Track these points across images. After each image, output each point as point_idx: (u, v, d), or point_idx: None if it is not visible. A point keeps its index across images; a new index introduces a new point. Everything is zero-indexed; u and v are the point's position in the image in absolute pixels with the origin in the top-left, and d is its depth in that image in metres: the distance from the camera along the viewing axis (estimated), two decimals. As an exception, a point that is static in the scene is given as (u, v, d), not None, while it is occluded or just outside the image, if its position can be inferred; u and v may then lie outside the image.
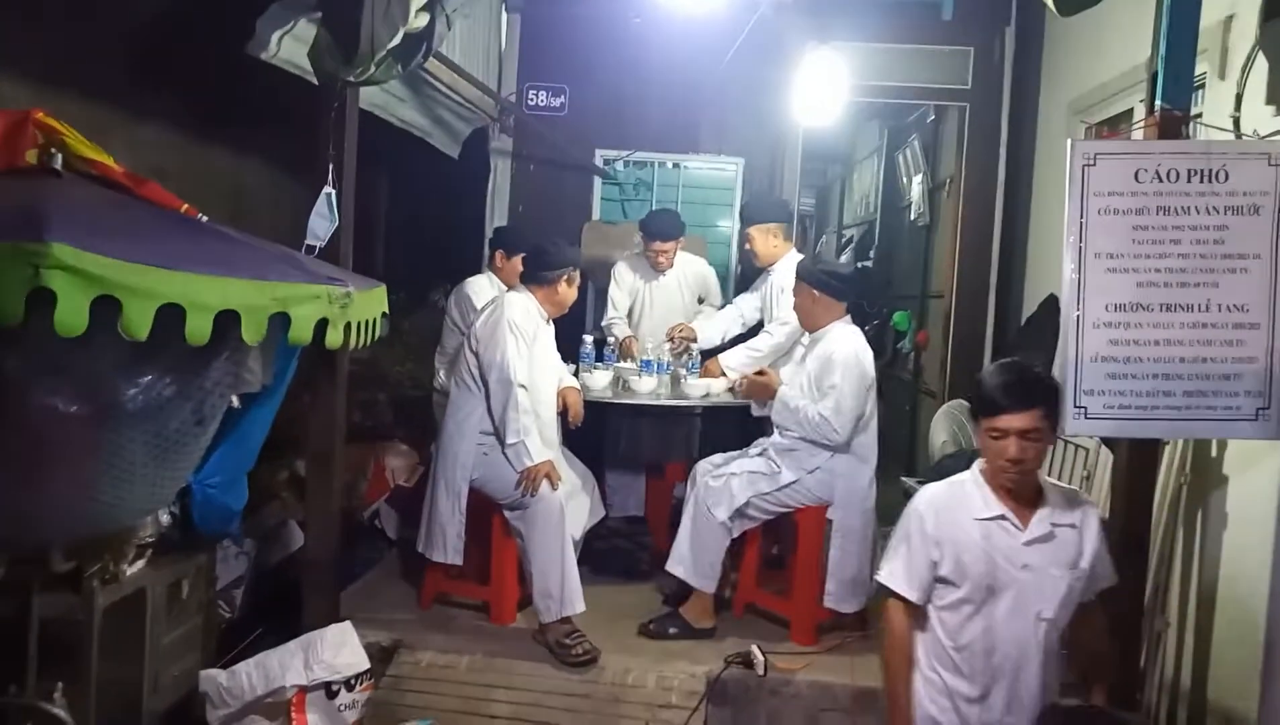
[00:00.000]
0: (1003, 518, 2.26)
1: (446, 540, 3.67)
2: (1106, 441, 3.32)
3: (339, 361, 3.26)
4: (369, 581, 4.13)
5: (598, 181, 5.59)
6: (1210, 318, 2.69)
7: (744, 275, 5.28)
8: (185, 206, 2.33)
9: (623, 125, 5.50)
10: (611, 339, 4.57)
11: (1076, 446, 3.99)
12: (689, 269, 4.78)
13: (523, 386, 3.54)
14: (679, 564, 3.68)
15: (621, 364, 4.37)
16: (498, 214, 5.53)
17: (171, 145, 3.95)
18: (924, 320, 6.64)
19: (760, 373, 3.83)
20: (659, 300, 4.74)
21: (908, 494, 3.84)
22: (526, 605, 3.73)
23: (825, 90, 4.47)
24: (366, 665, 2.95)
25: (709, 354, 4.46)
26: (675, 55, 5.25)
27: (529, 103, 5.47)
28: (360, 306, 2.37)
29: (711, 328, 4.51)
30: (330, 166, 3.07)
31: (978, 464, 2.33)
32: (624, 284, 4.75)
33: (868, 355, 3.55)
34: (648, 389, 4.10)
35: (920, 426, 6.00)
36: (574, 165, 5.54)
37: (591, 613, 3.58)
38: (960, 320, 5.46)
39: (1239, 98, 2.86)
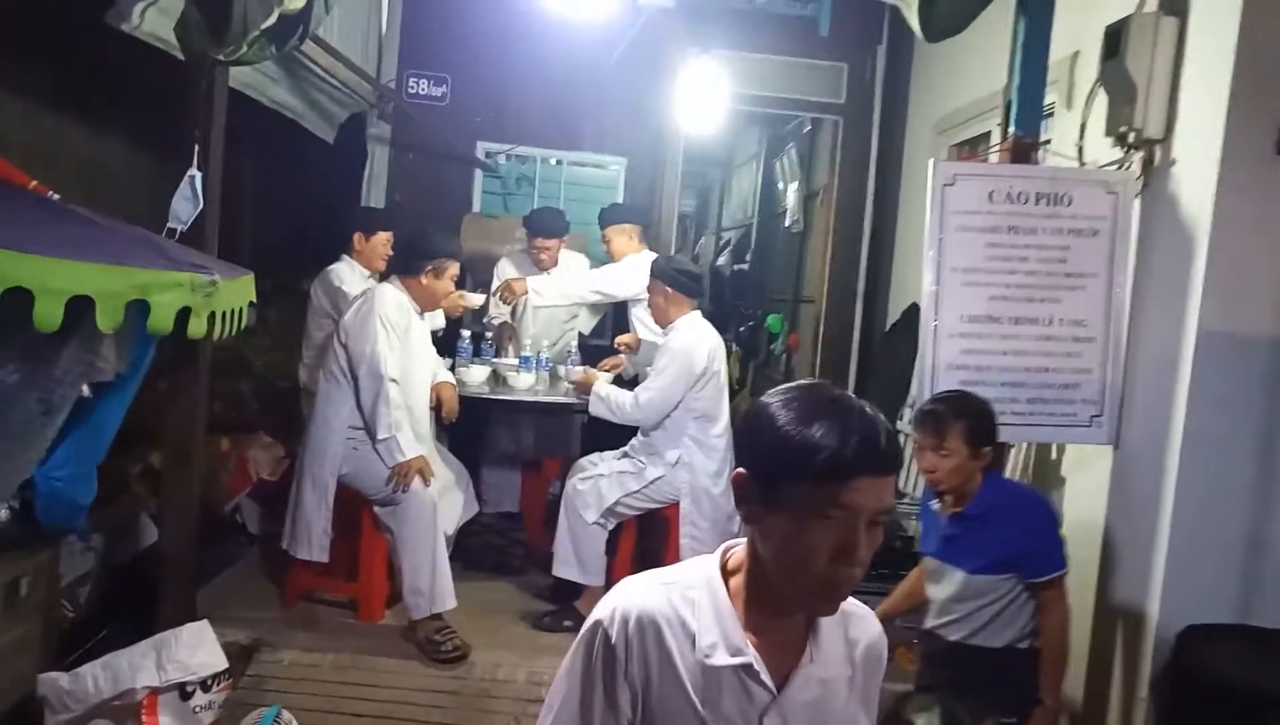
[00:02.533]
0: None
1: (312, 537, 3.58)
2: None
3: (201, 350, 3.13)
4: (229, 578, 3.98)
5: (479, 174, 5.54)
6: (1053, 331, 2.91)
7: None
8: (33, 183, 2.20)
9: (506, 119, 5.47)
10: (490, 333, 4.54)
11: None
12: (572, 266, 4.80)
13: (394, 381, 3.49)
14: (565, 566, 3.72)
15: (499, 360, 4.35)
16: (374, 202, 5.40)
17: (18, 115, 3.68)
18: (796, 323, 6.86)
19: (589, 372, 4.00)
20: (544, 300, 4.74)
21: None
22: (396, 602, 3.68)
23: (706, 97, 4.57)
24: (224, 665, 2.85)
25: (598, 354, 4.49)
26: (561, 53, 5.26)
27: (409, 90, 5.37)
28: (226, 295, 2.29)
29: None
30: (196, 147, 2.94)
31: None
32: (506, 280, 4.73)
33: (705, 349, 3.64)
34: (525, 385, 4.10)
35: (790, 426, 6.19)
36: (455, 156, 5.47)
37: (463, 608, 3.56)
38: (830, 324, 5.68)
39: (1083, 128, 3.09)
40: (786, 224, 7.16)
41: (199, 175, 2.92)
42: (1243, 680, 2.43)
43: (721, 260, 8.91)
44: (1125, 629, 2.89)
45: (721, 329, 4.08)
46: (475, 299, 4.31)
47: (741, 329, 7.68)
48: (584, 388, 3.90)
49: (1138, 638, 2.82)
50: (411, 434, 3.53)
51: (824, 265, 5.73)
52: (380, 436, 3.46)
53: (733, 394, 4.93)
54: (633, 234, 4.50)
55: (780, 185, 7.37)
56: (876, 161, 5.54)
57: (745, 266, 8.36)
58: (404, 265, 3.69)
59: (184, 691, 2.74)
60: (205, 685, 2.78)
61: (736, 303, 7.91)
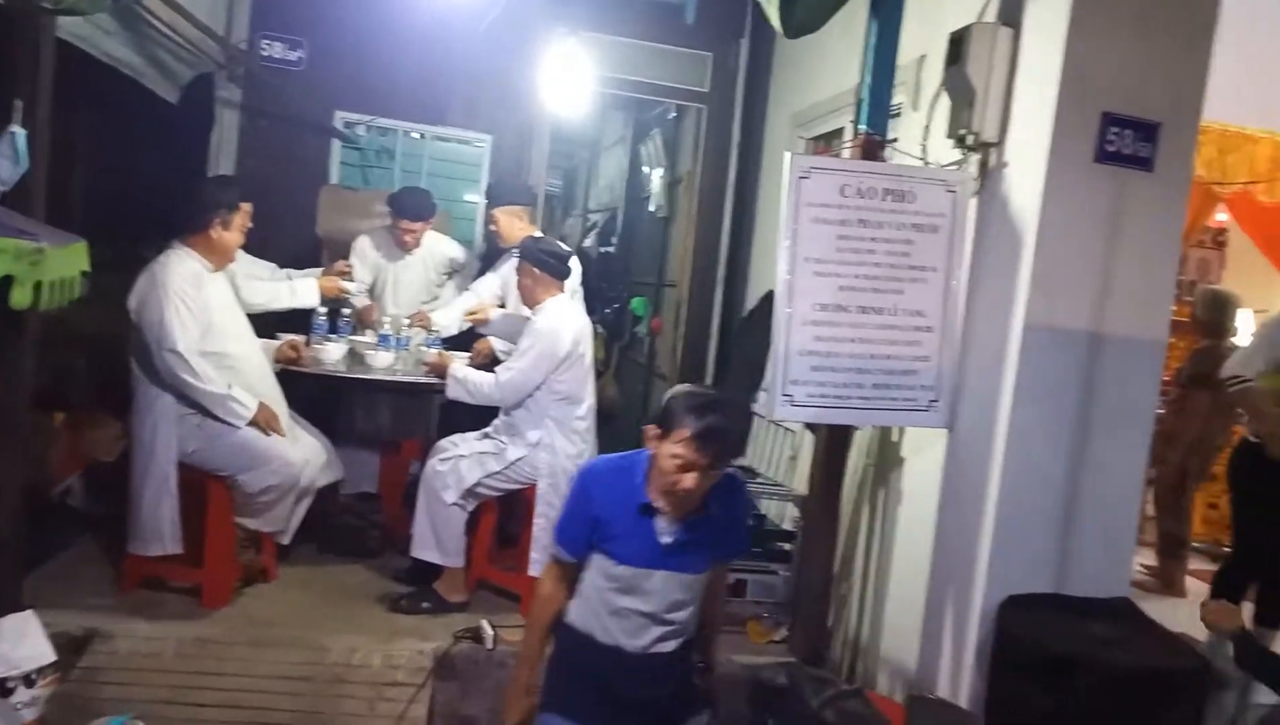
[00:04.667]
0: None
1: (163, 531, 3.42)
2: (809, 426, 3.70)
3: (27, 321, 2.91)
4: (60, 565, 3.73)
5: (337, 145, 5.34)
6: (896, 321, 3.07)
7: (488, 254, 5.28)
8: None
9: (367, 88, 5.29)
10: (348, 310, 4.41)
11: (786, 429, 4.39)
12: (436, 248, 4.71)
13: (205, 353, 3.36)
14: (424, 548, 3.67)
15: (357, 337, 4.23)
16: (224, 169, 5.13)
17: None
18: (660, 307, 6.97)
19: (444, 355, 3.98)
20: (404, 279, 4.63)
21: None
22: (247, 586, 3.55)
23: (572, 78, 4.57)
24: (52, 657, 2.68)
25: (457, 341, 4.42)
26: (427, 22, 5.12)
27: (263, 53, 5.11)
28: (54, 263, 2.14)
29: (450, 315, 4.45)
30: (19, 102, 2.72)
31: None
32: (367, 260, 4.59)
33: (571, 332, 3.65)
34: (383, 364, 4.01)
35: (652, 407, 6.31)
36: (311, 125, 5.26)
37: (318, 593, 3.48)
38: (692, 309, 5.80)
39: (927, 129, 3.27)
40: (652, 209, 7.24)
41: (22, 133, 2.70)
42: (1053, 644, 2.66)
43: (588, 242, 8.92)
44: (955, 600, 3.10)
45: (587, 311, 4.10)
46: (354, 287, 4.22)
47: (607, 311, 7.73)
48: (438, 371, 3.85)
49: (965, 608, 3.03)
50: (244, 392, 3.45)
51: (687, 251, 5.83)
52: (210, 407, 3.36)
53: (597, 376, 4.97)
54: (521, 215, 4.42)
55: (646, 170, 7.44)
56: (738, 151, 5.67)
57: (611, 249, 8.40)
58: (187, 224, 3.49)
59: (4, 687, 2.57)
60: (29, 680, 2.61)
61: (602, 285, 7.95)
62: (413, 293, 4.61)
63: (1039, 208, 2.85)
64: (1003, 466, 2.95)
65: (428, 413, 4.75)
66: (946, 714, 2.08)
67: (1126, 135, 2.82)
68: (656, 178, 7.05)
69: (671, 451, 2.10)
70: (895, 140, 3.53)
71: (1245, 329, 4.87)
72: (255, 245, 3.93)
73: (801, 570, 3.60)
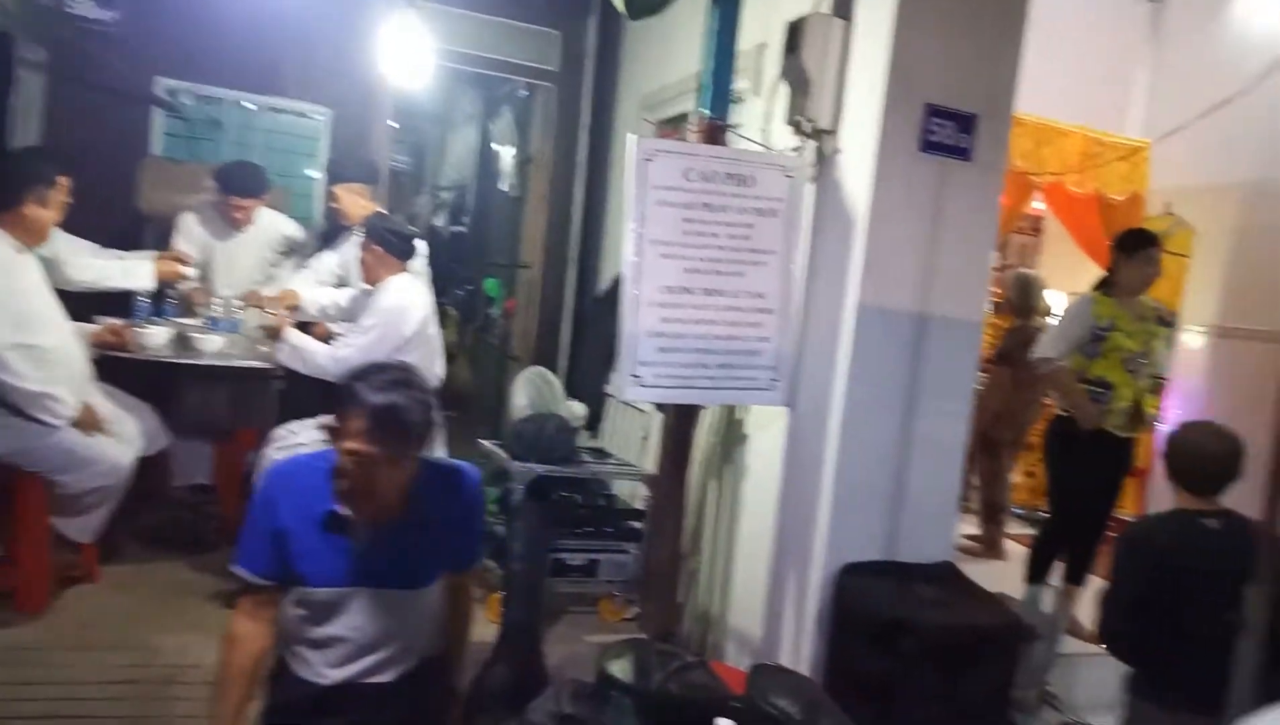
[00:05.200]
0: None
1: None
2: (659, 406, 3.76)
3: None
4: None
5: (160, 114, 4.99)
6: (739, 302, 3.15)
7: (328, 232, 5.07)
8: None
9: (192, 53, 4.95)
10: (176, 290, 4.15)
11: (638, 410, 4.45)
12: (271, 226, 4.48)
13: (17, 346, 3.11)
14: None
15: (184, 320, 3.99)
16: (30, 137, 4.71)
17: None
18: (513, 288, 6.90)
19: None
20: (236, 258, 4.39)
21: (485, 456, 4.02)
22: (68, 587, 3.31)
23: (413, 51, 4.43)
24: None
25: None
26: (258, -14, 4.85)
27: (70, 9, 4.69)
28: None
29: (318, 293, 4.22)
30: None
31: None
32: (193, 238, 4.32)
33: (416, 313, 3.57)
34: (214, 348, 3.80)
35: (505, 391, 6.25)
36: (129, 92, 4.89)
37: (148, 591, 3.29)
38: (545, 291, 5.77)
39: (767, 115, 3.36)
40: (504, 188, 7.15)
41: None
42: (882, 609, 2.82)
43: (439, 221, 8.72)
44: (796, 571, 3.23)
45: (439, 291, 4.01)
46: (194, 272, 3.97)
47: (459, 293, 7.60)
48: (273, 334, 3.67)
49: (805, 578, 3.17)
50: (64, 388, 3.20)
51: (539, 231, 5.79)
52: (23, 405, 3.10)
53: (451, 358, 4.88)
54: (364, 192, 4.25)
55: (498, 148, 7.33)
56: (590, 131, 5.66)
57: (463, 229, 8.25)
58: None
59: None
60: None
61: (454, 266, 7.80)
62: (245, 273, 4.38)
63: (870, 194, 2.99)
64: (839, 441, 3.08)
65: (266, 401, 4.54)
66: (785, 679, 2.16)
67: (947, 126, 2.98)
68: (508, 156, 6.96)
69: (346, 443, 1.80)
70: (738, 125, 3.60)
71: (1059, 311, 5.27)
72: (66, 223, 3.64)
73: (650, 548, 3.66)
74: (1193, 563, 2.34)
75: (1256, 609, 1.89)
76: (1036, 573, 3.76)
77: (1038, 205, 6.14)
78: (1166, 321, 3.81)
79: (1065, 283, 5.74)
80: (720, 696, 2.05)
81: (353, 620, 1.92)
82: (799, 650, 3.16)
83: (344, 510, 1.86)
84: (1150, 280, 3.71)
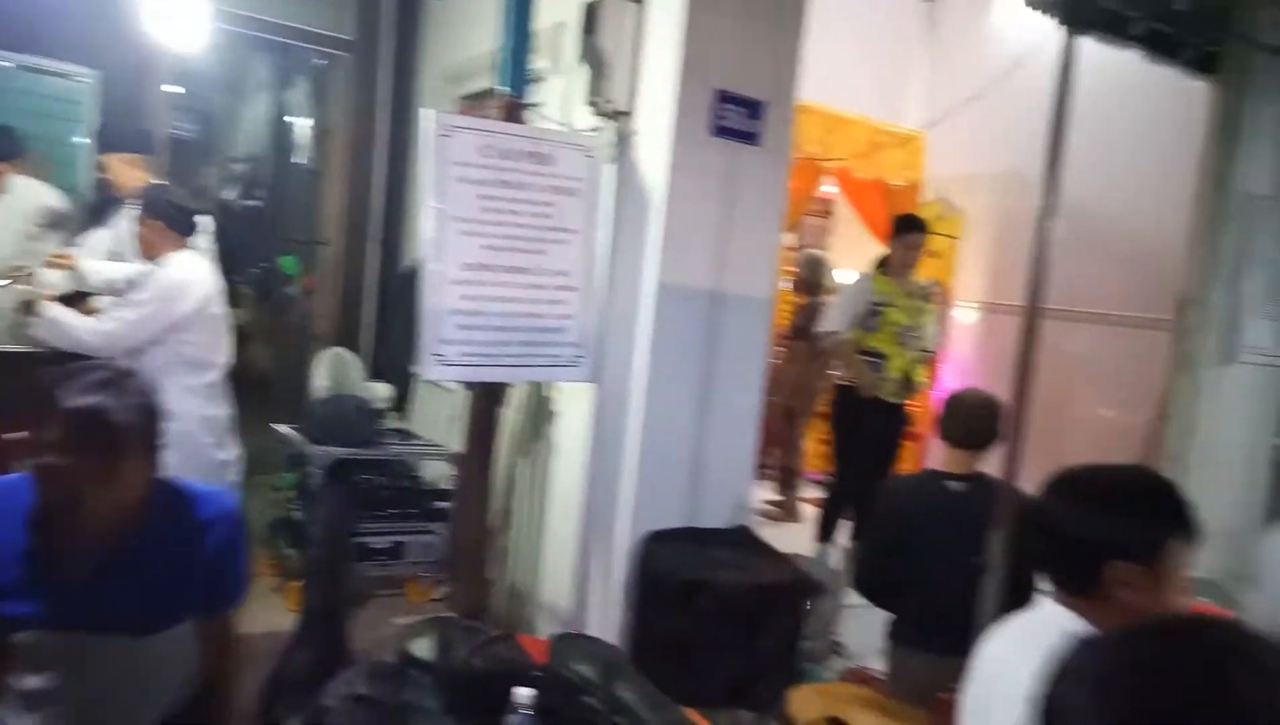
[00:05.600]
0: None
1: None
2: (467, 384, 3.74)
3: None
4: None
5: (-109, 70, 4.42)
6: (541, 280, 3.18)
7: (98, 205, 4.66)
8: None
9: (-69, 5, 4.42)
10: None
11: (446, 390, 4.39)
12: (29, 196, 4.07)
13: None
14: None
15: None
16: None
17: None
18: (313, 266, 6.61)
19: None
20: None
21: (281, 442, 3.87)
22: None
23: (188, 12, 4.14)
24: None
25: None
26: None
27: None
28: None
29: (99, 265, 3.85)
30: None
31: None
32: (-67, 206, 3.87)
33: (198, 291, 3.35)
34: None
35: (308, 372, 6.00)
36: None
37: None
38: (347, 268, 5.57)
39: (567, 95, 3.39)
40: (301, 161, 6.82)
41: None
42: (680, 572, 2.95)
43: (231, 194, 8.21)
44: (603, 542, 3.32)
45: (232, 269, 3.78)
46: None
47: (254, 270, 7.19)
48: (28, 308, 3.33)
49: (612, 548, 3.26)
50: None
51: (339, 206, 5.58)
52: None
53: (245, 339, 4.63)
54: (138, 162, 3.91)
55: (293, 120, 6.98)
56: (392, 104, 5.50)
57: (258, 203, 7.80)
58: None
59: None
60: None
61: (248, 242, 7.37)
62: (13, 231, 3.96)
63: (666, 175, 3.09)
64: (642, 415, 3.19)
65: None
66: (585, 645, 2.22)
67: (737, 112, 3.12)
68: (305, 128, 6.64)
69: (40, 457, 1.52)
70: (540, 104, 3.62)
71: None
72: None
73: (456, 527, 3.65)
74: (935, 518, 2.57)
75: (997, 553, 2.12)
76: (825, 532, 4.04)
77: (828, 189, 6.54)
78: (932, 298, 4.17)
79: (855, 262, 6.14)
80: (522, 667, 2.08)
81: (67, 673, 1.59)
82: (607, 618, 3.25)
83: (42, 537, 1.57)
84: (912, 262, 4.04)
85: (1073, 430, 5.51)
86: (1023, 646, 1.36)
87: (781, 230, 5.39)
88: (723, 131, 3.12)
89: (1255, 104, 4.62)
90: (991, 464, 2.83)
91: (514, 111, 3.06)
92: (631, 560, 3.18)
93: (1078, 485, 1.44)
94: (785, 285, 5.52)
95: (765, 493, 5.16)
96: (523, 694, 1.83)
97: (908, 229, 3.99)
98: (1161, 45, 4.21)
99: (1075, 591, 1.41)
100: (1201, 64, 4.46)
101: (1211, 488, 4.61)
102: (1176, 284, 4.79)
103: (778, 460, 5.18)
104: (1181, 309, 4.76)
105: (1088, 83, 5.15)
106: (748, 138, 3.19)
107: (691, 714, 2.00)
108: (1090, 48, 3.99)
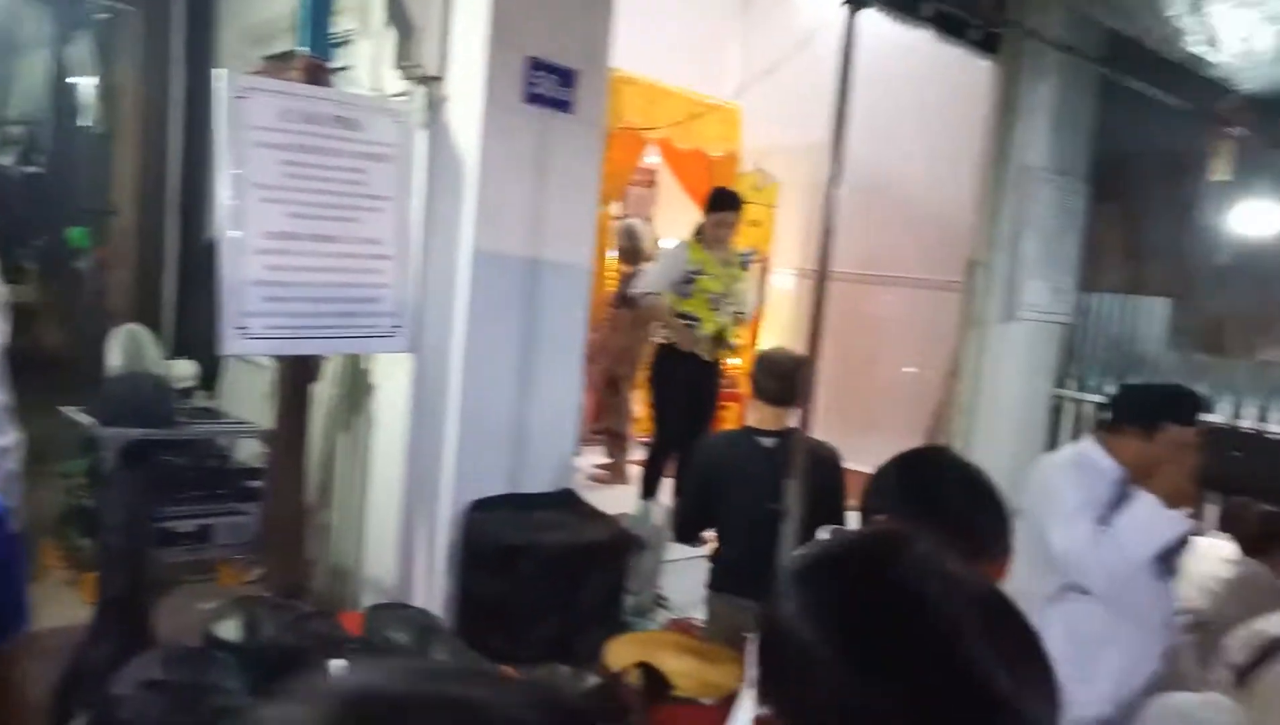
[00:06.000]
0: None
1: None
2: (278, 358, 3.60)
3: None
4: None
5: None
6: (353, 249, 3.10)
7: None
8: None
9: None
10: None
11: (257, 366, 4.21)
12: None
13: None
14: None
15: None
16: None
17: None
18: (105, 237, 6.12)
19: None
20: None
21: (70, 425, 3.60)
22: None
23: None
24: None
25: None
26: None
27: None
28: None
29: None
30: None
31: None
32: None
33: None
34: None
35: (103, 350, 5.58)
36: None
37: None
38: (143, 239, 5.21)
39: (376, 58, 3.30)
40: (87, 123, 6.27)
41: None
42: (502, 537, 2.98)
43: (7, 160, 7.45)
44: (426, 513, 3.29)
45: (11, 242, 3.46)
46: None
47: (37, 243, 6.58)
48: None
49: (435, 518, 3.25)
50: None
51: (132, 173, 5.20)
52: None
53: (29, 317, 4.26)
54: None
55: (77, 78, 6.40)
56: (187, 63, 5.15)
57: (39, 170, 7.12)
58: None
59: None
60: None
61: (29, 212, 6.73)
62: None
63: (479, 142, 3.06)
64: (462, 384, 3.18)
65: None
66: (399, 613, 2.22)
67: (549, 79, 3.13)
68: (90, 88, 6.11)
69: None
70: (347, 67, 3.50)
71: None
72: None
73: (269, 506, 3.53)
74: (747, 472, 2.71)
75: (793, 499, 2.27)
76: (647, 489, 4.17)
77: (652, 160, 6.65)
78: (747, 265, 4.35)
79: (678, 231, 6.28)
80: (334, 641, 2.06)
81: None
82: (432, 588, 3.24)
83: None
84: (725, 237, 4.19)
85: (879, 386, 5.91)
86: None
87: (600, 199, 5.51)
88: (535, 99, 3.12)
89: (1030, 83, 5.06)
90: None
91: (317, 74, 2.95)
92: (455, 529, 3.17)
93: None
94: (614, 254, 5.61)
95: (595, 457, 5.26)
96: (335, 667, 1.81)
97: (720, 207, 4.13)
98: (949, 26, 4.53)
99: None
100: (985, 45, 4.84)
101: (998, 433, 5.08)
102: (965, 249, 5.21)
103: (606, 425, 5.28)
104: (969, 271, 5.19)
105: (887, 60, 5.51)
106: (561, 106, 3.21)
107: (509, 671, 2.04)
108: (889, 26, 4.28)
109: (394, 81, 3.25)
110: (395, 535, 3.40)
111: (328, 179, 2.98)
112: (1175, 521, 2.14)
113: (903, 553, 0.66)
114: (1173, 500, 2.15)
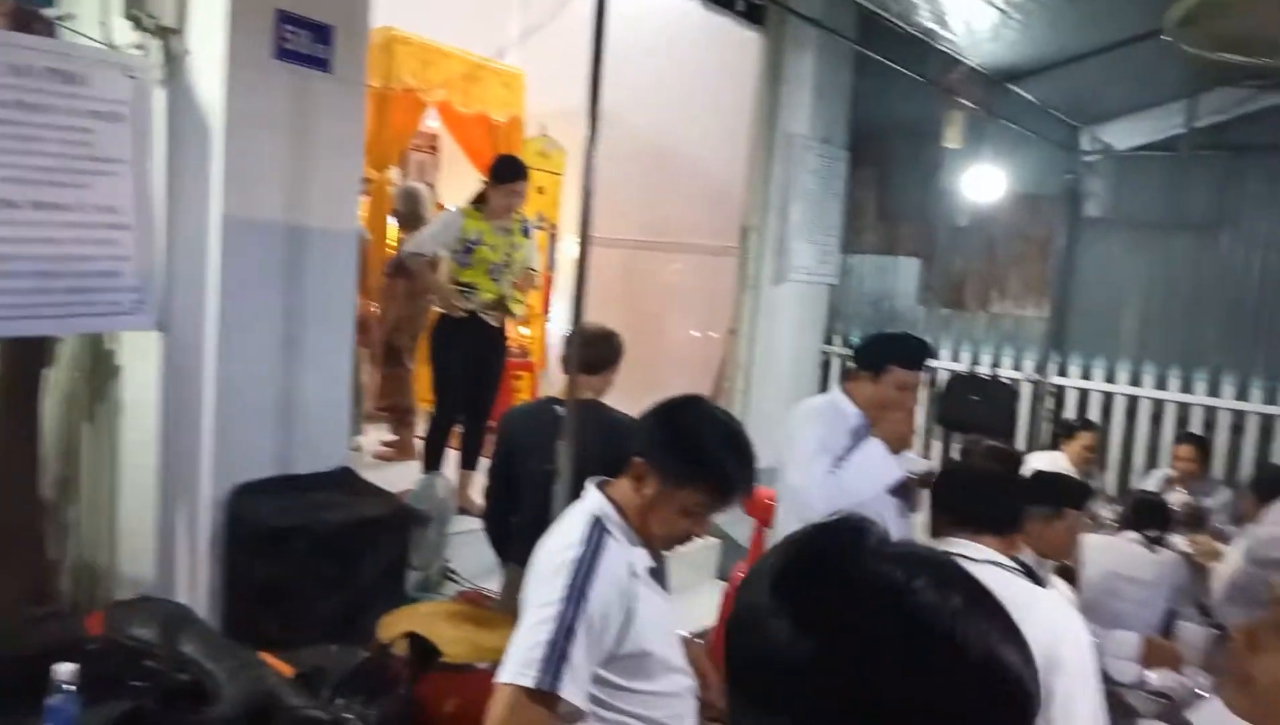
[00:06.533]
0: None
1: None
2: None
3: None
4: None
5: None
6: (85, 217, 2.82)
7: None
8: None
9: None
10: None
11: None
12: None
13: None
14: None
15: None
16: None
17: None
18: None
19: None
20: None
21: None
22: None
23: None
24: None
25: None
26: None
27: None
28: None
29: None
30: None
31: None
32: None
33: None
34: None
35: None
36: None
37: None
38: None
39: (106, 6, 2.99)
40: None
41: None
42: (272, 519, 2.85)
43: None
44: (186, 501, 3.08)
45: None
46: None
47: None
48: None
49: (196, 506, 3.04)
50: None
51: None
52: None
53: None
54: None
55: None
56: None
57: None
58: None
59: None
60: None
61: None
62: None
63: (224, 102, 2.86)
64: (218, 362, 2.98)
65: None
66: (143, 607, 2.08)
67: (303, 35, 2.96)
68: None
69: None
70: (68, 15, 3.16)
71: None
72: None
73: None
74: (543, 442, 2.71)
75: (565, 459, 2.30)
76: (430, 461, 4.09)
77: (433, 124, 6.46)
78: (530, 233, 4.32)
79: (463, 197, 6.14)
80: (70, 643, 1.91)
81: None
82: (196, 579, 3.05)
83: None
84: (513, 207, 4.14)
85: (668, 349, 6.08)
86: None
87: (378, 163, 5.31)
88: (287, 55, 2.95)
89: (793, 54, 5.32)
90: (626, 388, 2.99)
91: (26, 20, 2.64)
92: (219, 516, 3.00)
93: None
94: (395, 222, 5.40)
95: (382, 434, 5.10)
96: (62, 671, 1.68)
97: (508, 177, 4.04)
98: (717, -2, 4.67)
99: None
100: (750, 16, 5.03)
101: (774, 388, 5.38)
102: (741, 215, 5.44)
103: (391, 401, 5.13)
104: (744, 236, 5.42)
105: (666, 27, 5.63)
106: (318, 64, 3.05)
107: (267, 656, 1.96)
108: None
109: (126, 33, 2.97)
110: (152, 527, 3.16)
111: (46, 139, 2.69)
112: (894, 466, 2.35)
113: (865, 543, 0.64)
114: (895, 442, 2.36)
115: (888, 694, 0.58)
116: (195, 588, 3.03)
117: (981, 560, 1.71)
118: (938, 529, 1.95)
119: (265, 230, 3.01)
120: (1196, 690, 2.16)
